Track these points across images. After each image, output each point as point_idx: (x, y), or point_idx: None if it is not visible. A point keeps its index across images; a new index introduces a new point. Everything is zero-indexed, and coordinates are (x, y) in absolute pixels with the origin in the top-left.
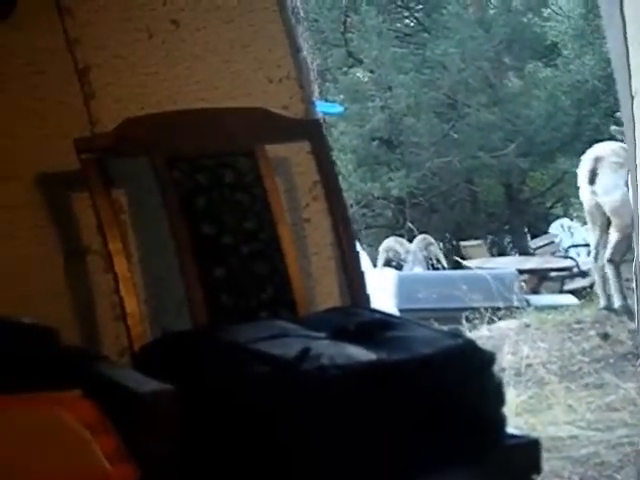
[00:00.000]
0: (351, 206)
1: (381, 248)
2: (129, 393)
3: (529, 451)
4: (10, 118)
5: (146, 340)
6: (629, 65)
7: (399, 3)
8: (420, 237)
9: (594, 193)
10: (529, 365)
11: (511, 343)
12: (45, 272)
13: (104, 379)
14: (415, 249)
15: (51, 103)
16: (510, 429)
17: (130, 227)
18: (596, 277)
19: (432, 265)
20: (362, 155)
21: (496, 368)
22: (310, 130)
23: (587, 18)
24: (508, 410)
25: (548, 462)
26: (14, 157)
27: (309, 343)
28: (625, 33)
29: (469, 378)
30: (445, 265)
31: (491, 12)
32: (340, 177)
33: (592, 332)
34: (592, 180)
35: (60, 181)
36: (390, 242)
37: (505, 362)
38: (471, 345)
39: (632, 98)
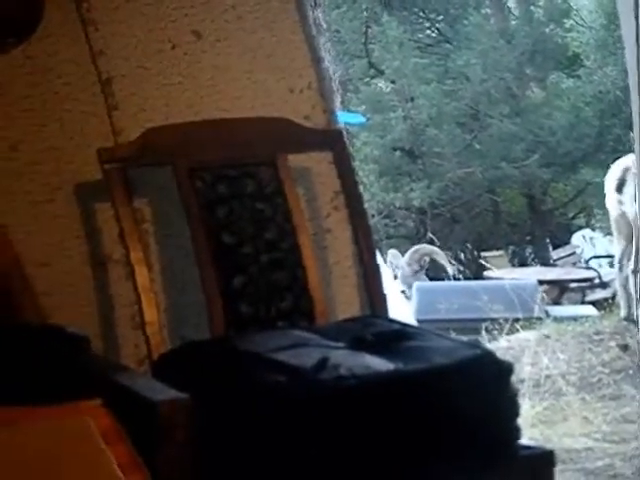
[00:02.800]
0: (373, 216)
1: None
2: (145, 401)
3: (543, 462)
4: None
5: (165, 349)
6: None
7: (420, 14)
8: (413, 249)
9: (621, 202)
10: (548, 376)
11: (531, 354)
12: (80, 281)
13: (122, 387)
14: (403, 264)
15: (76, 114)
16: (524, 440)
17: (152, 236)
18: (618, 287)
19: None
20: (384, 165)
21: (514, 379)
22: (332, 140)
23: (609, 29)
24: (523, 421)
25: (562, 474)
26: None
27: (327, 353)
28: (639, 47)
29: (486, 388)
30: (450, 274)
31: (513, 23)
32: (362, 187)
33: (612, 343)
34: (620, 189)
35: (87, 191)
36: (389, 256)
37: (524, 373)
38: (488, 355)
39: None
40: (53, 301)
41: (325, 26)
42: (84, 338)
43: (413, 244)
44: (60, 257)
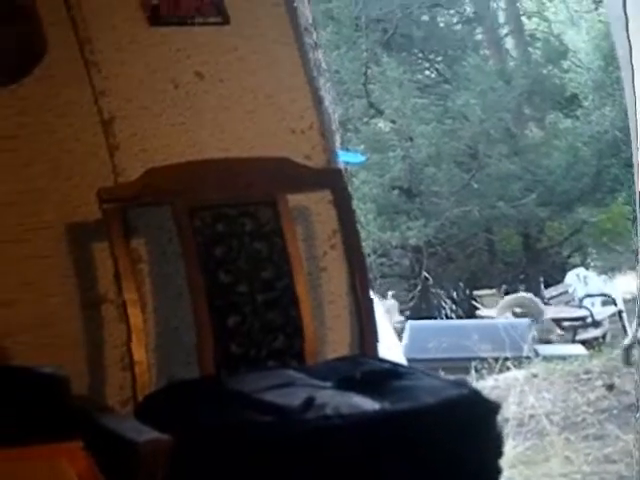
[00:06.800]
0: (369, 255)
1: None
2: (126, 443)
3: None
4: (41, 170)
5: (151, 389)
6: (636, 116)
7: (420, 55)
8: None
9: None
10: (532, 416)
11: (516, 393)
12: (63, 321)
13: (104, 429)
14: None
15: (78, 154)
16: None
17: (147, 275)
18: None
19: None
20: (382, 204)
21: (499, 418)
22: (331, 180)
23: (606, 70)
24: (504, 461)
25: None
26: (43, 208)
27: (314, 392)
28: (633, 87)
29: (471, 428)
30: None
31: (511, 64)
32: (359, 226)
33: (599, 382)
34: None
35: (84, 231)
36: None
37: (509, 413)
38: (476, 395)
39: (638, 150)
40: (51, 342)
41: (325, 67)
42: (62, 378)
43: (408, 283)
44: (37, 296)
